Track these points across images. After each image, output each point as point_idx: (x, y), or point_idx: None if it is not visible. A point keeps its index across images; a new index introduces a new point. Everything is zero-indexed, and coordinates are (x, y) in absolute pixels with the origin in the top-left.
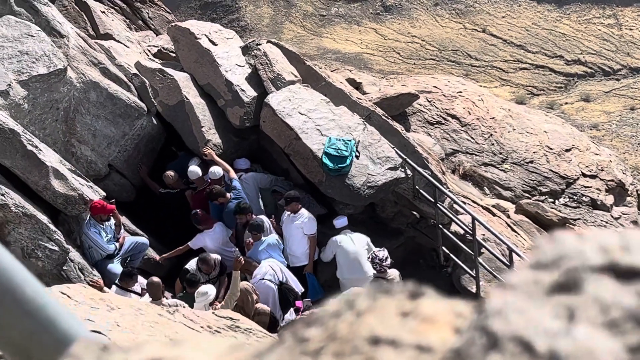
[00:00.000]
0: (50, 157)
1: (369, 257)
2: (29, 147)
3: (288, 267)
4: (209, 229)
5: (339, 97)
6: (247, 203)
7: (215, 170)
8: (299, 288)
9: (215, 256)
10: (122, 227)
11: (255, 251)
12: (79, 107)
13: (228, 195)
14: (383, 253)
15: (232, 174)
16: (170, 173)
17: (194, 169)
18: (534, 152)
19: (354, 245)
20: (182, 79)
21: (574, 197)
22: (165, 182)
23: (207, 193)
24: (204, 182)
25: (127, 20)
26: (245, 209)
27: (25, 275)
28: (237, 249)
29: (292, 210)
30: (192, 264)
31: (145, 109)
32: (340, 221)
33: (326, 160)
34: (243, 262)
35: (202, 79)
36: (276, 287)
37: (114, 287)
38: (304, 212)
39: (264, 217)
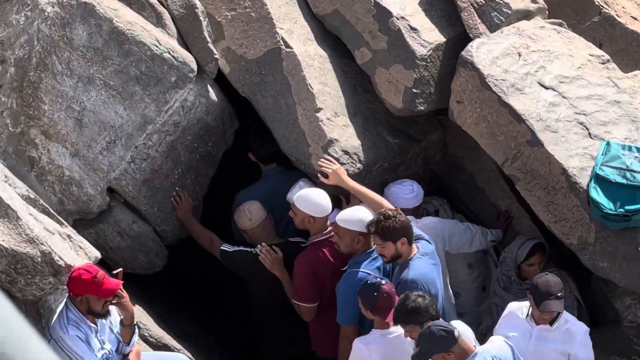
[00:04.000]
0: None
1: None
2: None
3: None
4: (382, 329)
5: (631, 52)
6: (425, 294)
7: (356, 217)
8: None
9: None
10: (137, 329)
11: None
12: (51, 57)
13: (413, 247)
14: None
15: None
16: (251, 206)
17: (314, 195)
18: None
19: None
20: (277, 1)
21: None
22: (239, 227)
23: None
24: (326, 228)
25: None
26: (418, 312)
27: None
28: None
29: (547, 314)
30: None
31: (194, 66)
32: None
33: (597, 195)
34: None
35: (323, 4)
36: None
37: None
38: (569, 318)
39: (459, 325)
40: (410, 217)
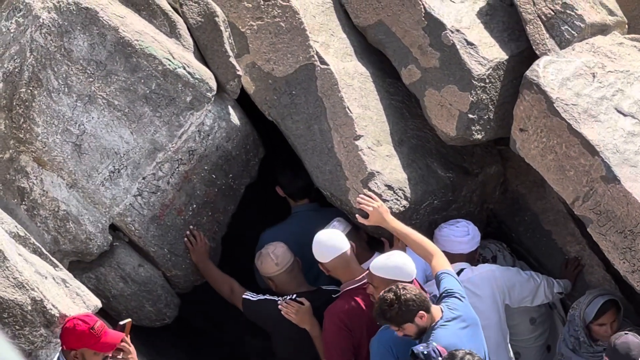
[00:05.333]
0: None
1: None
2: None
3: None
4: None
5: None
6: (473, 352)
7: (393, 264)
8: None
9: None
10: None
11: None
12: (45, 71)
13: (435, 311)
14: None
15: (439, 261)
16: (276, 249)
17: (318, 235)
18: None
19: None
20: (312, 9)
21: None
22: (262, 274)
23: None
24: (359, 275)
25: None
26: None
27: None
28: None
29: None
30: None
31: (213, 84)
32: None
33: None
34: None
35: (365, 13)
36: None
37: None
38: None
39: None
40: (464, 265)
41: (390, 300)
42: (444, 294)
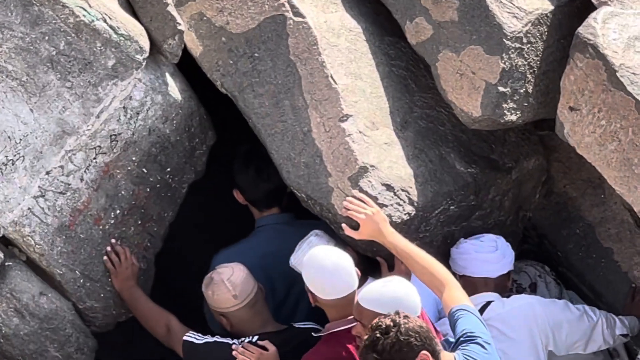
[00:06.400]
0: None
1: None
2: None
3: None
4: None
5: None
6: None
7: (389, 294)
8: None
9: None
10: None
11: None
12: None
13: None
14: None
15: (453, 292)
16: (232, 274)
17: (320, 257)
18: None
19: None
20: None
21: None
22: (213, 308)
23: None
24: (344, 312)
25: None
26: None
27: None
28: None
29: None
30: None
31: (145, 43)
32: None
33: None
34: None
35: None
36: None
37: None
38: None
39: None
40: (491, 296)
41: (386, 327)
42: (461, 339)
